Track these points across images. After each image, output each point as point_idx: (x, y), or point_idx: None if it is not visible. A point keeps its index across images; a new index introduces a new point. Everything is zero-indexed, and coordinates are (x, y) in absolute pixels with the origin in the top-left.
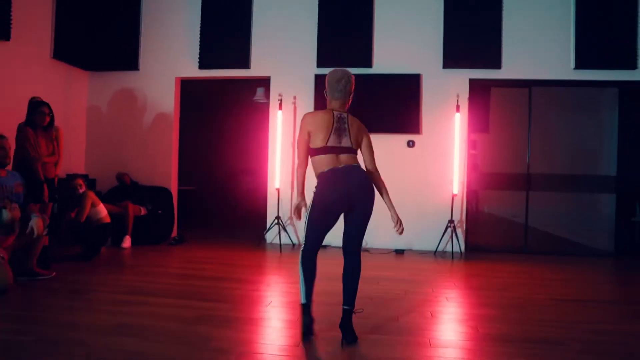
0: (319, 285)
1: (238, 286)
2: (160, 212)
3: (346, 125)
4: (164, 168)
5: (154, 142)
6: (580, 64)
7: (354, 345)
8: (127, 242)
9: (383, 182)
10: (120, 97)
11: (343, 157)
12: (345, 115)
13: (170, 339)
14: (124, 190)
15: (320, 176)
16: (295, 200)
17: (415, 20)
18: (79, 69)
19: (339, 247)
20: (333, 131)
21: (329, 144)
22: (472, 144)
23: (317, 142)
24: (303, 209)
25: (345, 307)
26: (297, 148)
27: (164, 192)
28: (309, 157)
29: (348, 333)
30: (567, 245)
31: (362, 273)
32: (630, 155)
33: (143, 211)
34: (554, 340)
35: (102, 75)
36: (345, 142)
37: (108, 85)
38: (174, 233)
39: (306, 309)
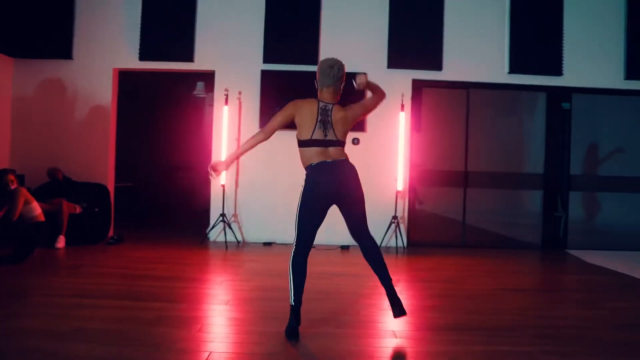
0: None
1: (192, 285)
2: (96, 210)
3: (329, 118)
4: (100, 163)
5: (90, 136)
6: (513, 69)
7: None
8: (61, 242)
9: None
10: (51, 87)
11: (331, 150)
12: (330, 106)
13: (131, 342)
14: (56, 186)
15: (308, 169)
16: (222, 160)
17: (362, 20)
18: (1, 55)
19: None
20: (317, 124)
21: (313, 137)
22: (414, 143)
23: (303, 133)
24: (217, 173)
25: (385, 284)
26: (271, 120)
27: (101, 188)
28: (298, 148)
29: (398, 305)
30: (501, 240)
31: (313, 269)
32: (556, 155)
33: (78, 209)
34: (505, 327)
35: (29, 63)
36: (331, 136)
37: (37, 74)
38: (112, 232)
39: (295, 311)
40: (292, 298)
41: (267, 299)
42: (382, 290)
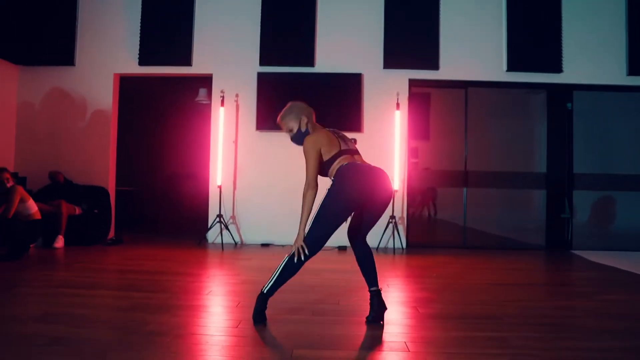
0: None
1: (177, 279)
2: (96, 211)
3: (340, 134)
4: (101, 167)
5: (91, 140)
6: (512, 67)
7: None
8: (59, 242)
9: None
10: (54, 93)
11: (358, 158)
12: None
13: (103, 325)
14: (57, 188)
15: (340, 170)
16: (299, 234)
17: (357, 20)
18: (8, 63)
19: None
20: (338, 140)
21: (342, 148)
22: (412, 145)
23: (331, 151)
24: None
25: (372, 289)
26: (308, 172)
27: (101, 191)
28: (327, 169)
29: (382, 309)
30: (504, 241)
31: (304, 267)
32: (558, 154)
33: (78, 210)
34: (489, 315)
35: (34, 70)
36: (351, 146)
37: (41, 81)
38: (111, 234)
39: (264, 299)
40: (268, 289)
41: (252, 291)
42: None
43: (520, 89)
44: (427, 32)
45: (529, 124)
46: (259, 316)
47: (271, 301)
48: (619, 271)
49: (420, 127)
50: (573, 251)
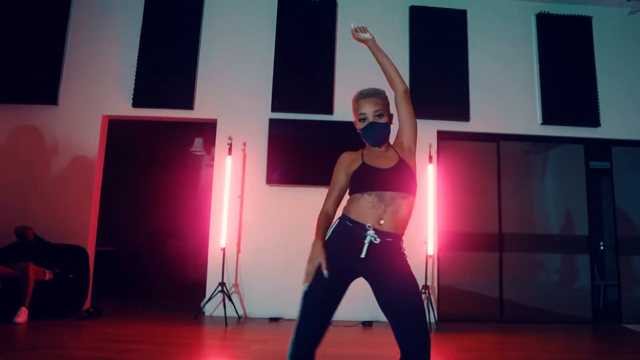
0: None
1: None
2: (71, 276)
3: None
4: (80, 223)
5: (70, 190)
6: (546, 120)
7: None
8: (22, 315)
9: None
10: (32, 135)
11: None
12: None
13: None
14: (24, 248)
15: None
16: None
17: (378, 69)
18: None
19: None
20: None
21: None
22: (441, 201)
23: None
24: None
25: None
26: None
27: (78, 251)
28: None
29: None
30: (545, 313)
31: (325, 350)
32: (598, 214)
33: (48, 275)
34: None
35: (10, 108)
36: None
37: (17, 121)
38: (87, 304)
39: None
40: None
41: None
42: None
43: (557, 144)
44: (456, 82)
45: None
46: None
47: None
48: None
49: (449, 184)
50: (625, 325)
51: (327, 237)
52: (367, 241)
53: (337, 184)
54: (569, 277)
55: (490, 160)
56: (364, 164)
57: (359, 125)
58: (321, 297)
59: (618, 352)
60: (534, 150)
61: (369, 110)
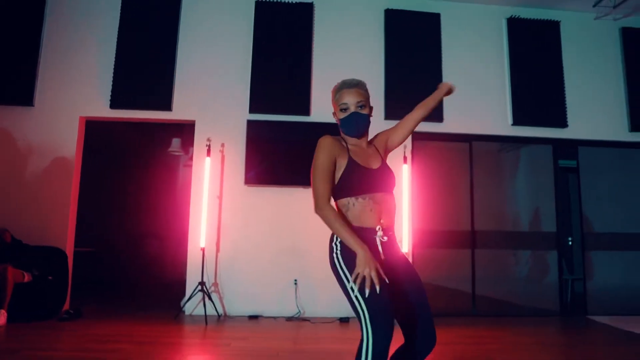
0: None
1: None
2: (50, 278)
3: None
4: (58, 224)
5: (48, 192)
6: (517, 121)
7: None
8: (1, 318)
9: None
10: (6, 136)
11: None
12: None
13: None
14: (2, 250)
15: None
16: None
17: (356, 71)
18: None
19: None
20: None
21: None
22: (414, 200)
23: None
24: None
25: None
26: None
27: (57, 253)
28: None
29: None
30: (516, 307)
31: (305, 346)
32: (566, 211)
33: (27, 277)
34: None
35: None
36: None
37: None
38: (67, 305)
39: None
40: None
41: None
42: None
43: (527, 144)
44: (430, 83)
45: (536, 179)
46: None
47: None
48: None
49: (423, 184)
50: (590, 317)
51: (340, 247)
52: (378, 242)
53: (327, 169)
54: (538, 272)
55: (463, 160)
56: (352, 161)
57: (340, 116)
58: (384, 295)
59: (586, 343)
60: (505, 149)
61: (352, 100)
